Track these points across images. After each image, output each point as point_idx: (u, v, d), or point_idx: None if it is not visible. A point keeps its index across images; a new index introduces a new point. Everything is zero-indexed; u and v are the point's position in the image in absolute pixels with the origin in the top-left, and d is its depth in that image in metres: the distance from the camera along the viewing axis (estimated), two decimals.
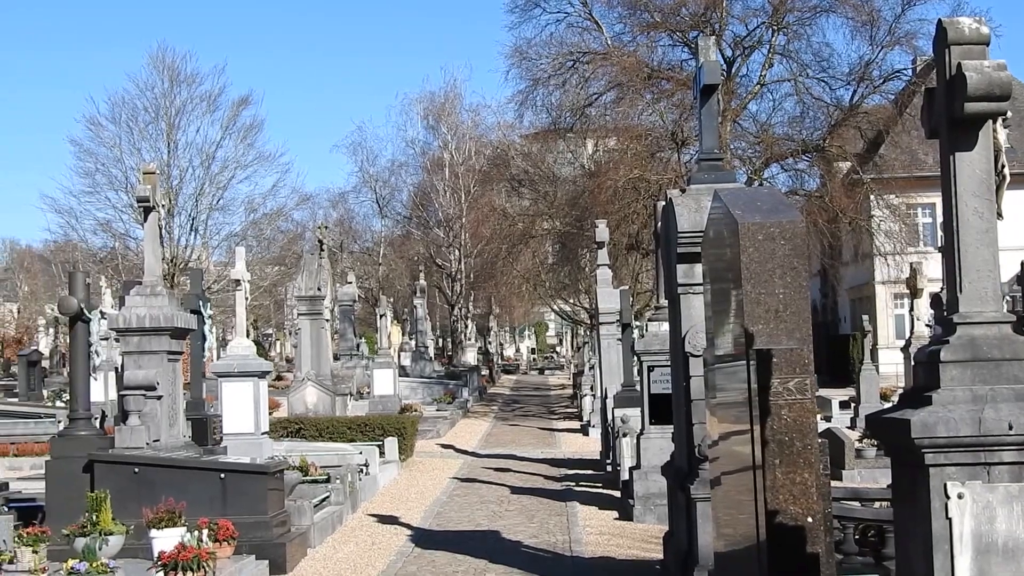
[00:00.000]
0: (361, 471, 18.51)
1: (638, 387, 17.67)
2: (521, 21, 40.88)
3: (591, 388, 33.63)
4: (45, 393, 37.38)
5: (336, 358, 33.11)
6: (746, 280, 5.82)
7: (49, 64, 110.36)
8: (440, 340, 70.23)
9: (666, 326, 13.55)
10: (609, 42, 38.90)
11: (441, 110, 62.48)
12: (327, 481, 16.34)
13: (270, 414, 20.31)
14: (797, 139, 36.87)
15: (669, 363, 12.49)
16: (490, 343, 72.46)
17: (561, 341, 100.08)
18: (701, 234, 8.50)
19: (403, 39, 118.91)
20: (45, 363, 44.34)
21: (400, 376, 36.37)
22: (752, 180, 33.93)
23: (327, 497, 15.64)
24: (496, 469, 22.37)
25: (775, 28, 36.46)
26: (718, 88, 11.27)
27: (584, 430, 31.23)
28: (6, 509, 13.43)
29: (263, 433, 18.06)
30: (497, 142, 54.62)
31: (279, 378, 44.55)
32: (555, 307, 60.17)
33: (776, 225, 5.86)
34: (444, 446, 27.50)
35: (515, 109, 43.86)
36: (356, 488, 17.27)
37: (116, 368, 24.23)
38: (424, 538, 14.45)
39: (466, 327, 63.96)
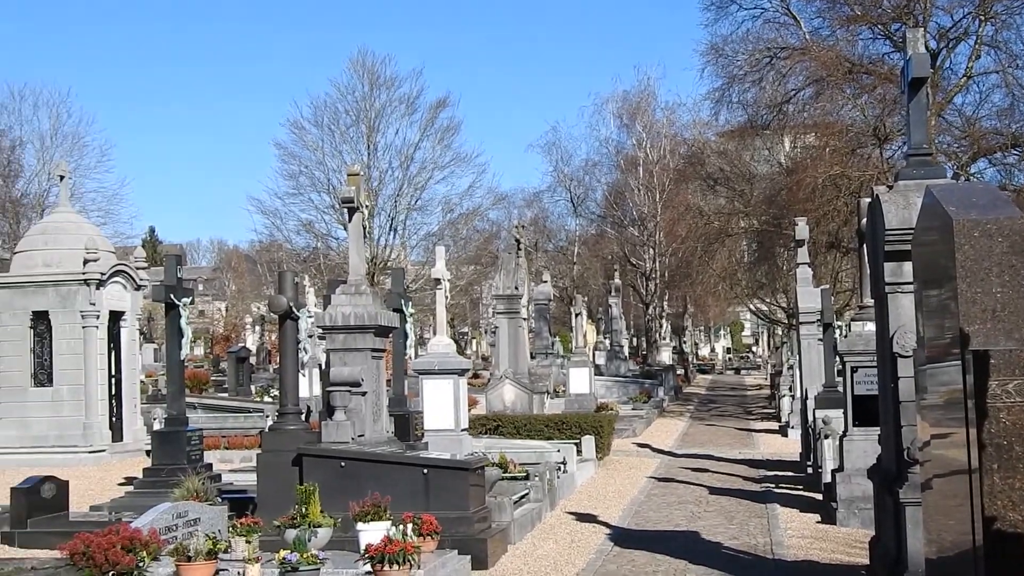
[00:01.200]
0: (559, 469, 18.55)
1: (840, 388, 17.28)
2: (717, 18, 40.57)
3: (789, 388, 33.07)
4: (253, 389, 38.64)
5: (532, 357, 33.28)
6: (961, 279, 5.64)
7: (256, 72, 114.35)
8: (634, 339, 69.90)
9: (870, 326, 13.22)
10: (807, 37, 38.15)
11: (635, 109, 62.11)
12: (526, 478, 16.42)
13: (469, 411, 20.53)
14: (1006, 132, 35.46)
15: (874, 364, 12.14)
16: (685, 342, 71.92)
17: (757, 341, 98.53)
18: (910, 231, 8.27)
19: (596, 39, 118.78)
20: (252, 359, 45.77)
21: (595, 375, 36.31)
22: (958, 175, 32.77)
23: (526, 494, 15.70)
24: (693, 469, 22.16)
25: (983, 18, 35.14)
26: (927, 81, 10.92)
27: (783, 431, 30.69)
28: (220, 500, 13.91)
29: (463, 430, 18.29)
30: (692, 140, 54.04)
31: (475, 376, 45.04)
32: (751, 306, 59.30)
33: (993, 222, 5.66)
34: (640, 445, 27.37)
35: (710, 107, 43.49)
36: (554, 486, 17.31)
37: (320, 365, 24.95)
38: (623, 537, 14.39)
39: (661, 326, 63.49)
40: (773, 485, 19.53)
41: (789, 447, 26.11)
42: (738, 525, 15.34)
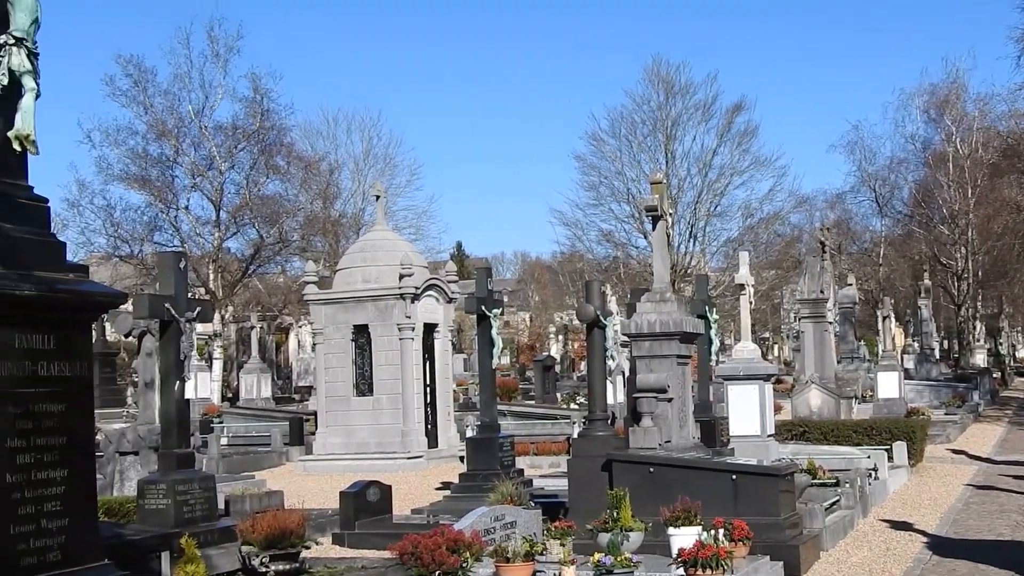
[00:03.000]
0: (870, 475, 17.98)
1: None
2: None
3: None
4: (558, 396, 39.23)
5: (838, 361, 32.40)
6: None
7: (554, 88, 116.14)
8: (945, 342, 67.00)
9: None
10: None
11: (943, 103, 59.42)
12: (836, 485, 16.01)
13: (774, 416, 20.19)
14: None
15: None
16: (1001, 344, 68.41)
17: None
18: None
19: (898, 31, 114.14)
20: (556, 368, 46.51)
21: (905, 379, 35.03)
22: None
23: (837, 501, 15.30)
24: (1015, 476, 20.95)
25: None
26: None
27: None
28: (533, 504, 14.19)
29: (769, 435, 17.97)
30: (1008, 131, 51.15)
31: (779, 381, 44.25)
32: None
33: None
34: (955, 451, 26.16)
35: None
36: (866, 492, 16.80)
37: (623, 372, 25.07)
38: (941, 545, 13.78)
39: (974, 328, 60.56)
40: None
41: None
42: None
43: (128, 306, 12.97)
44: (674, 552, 10.22)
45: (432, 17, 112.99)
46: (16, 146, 6.09)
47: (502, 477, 16.07)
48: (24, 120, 6.06)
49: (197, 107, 46.95)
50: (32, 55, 6.07)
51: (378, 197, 28.99)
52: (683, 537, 10.40)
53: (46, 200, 6.46)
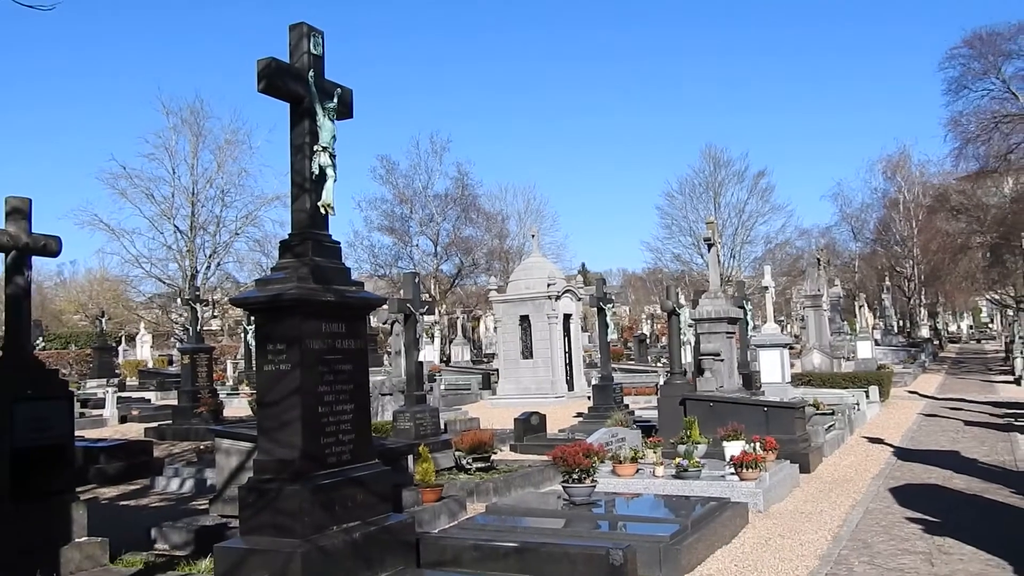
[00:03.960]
0: (854, 408, 17.30)
1: None
2: (954, 100, 36.31)
3: (1020, 352, 28.99)
4: (649, 358, 38.80)
5: (830, 335, 31.20)
6: None
7: (641, 158, 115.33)
8: (901, 321, 63.78)
9: None
10: None
11: (896, 166, 57.30)
12: (832, 414, 15.45)
13: (790, 370, 19.56)
14: None
15: None
16: (938, 322, 64.77)
17: (992, 319, 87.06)
18: None
19: (864, 114, 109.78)
20: (647, 340, 46.16)
21: (875, 345, 33.57)
22: None
23: (832, 424, 14.76)
24: (951, 408, 19.91)
25: None
26: None
27: (1017, 382, 26.91)
28: (634, 426, 14.05)
29: (787, 382, 17.49)
30: (939, 184, 48.98)
31: (791, 348, 42.84)
32: (987, 296, 52.67)
33: None
34: (910, 392, 24.91)
35: (951, 161, 39.04)
36: (852, 419, 16.15)
37: (690, 343, 24.64)
38: (903, 454, 13.16)
39: (920, 312, 57.68)
40: (1013, 419, 17.17)
41: (1022, 394, 22.91)
42: (988, 447, 13.64)
43: (385, 306, 13.30)
44: (727, 457, 10.01)
45: (560, 111, 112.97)
46: (323, 211, 6.27)
47: (615, 409, 15.94)
48: (327, 195, 6.24)
49: (424, 183, 47.91)
50: (332, 156, 6.24)
51: (533, 236, 29.42)
52: (732, 448, 10.17)
53: (338, 243, 6.61)
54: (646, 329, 55.55)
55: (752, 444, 9.97)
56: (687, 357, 26.75)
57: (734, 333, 14.49)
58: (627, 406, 17.73)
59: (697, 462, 9.78)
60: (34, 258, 7.39)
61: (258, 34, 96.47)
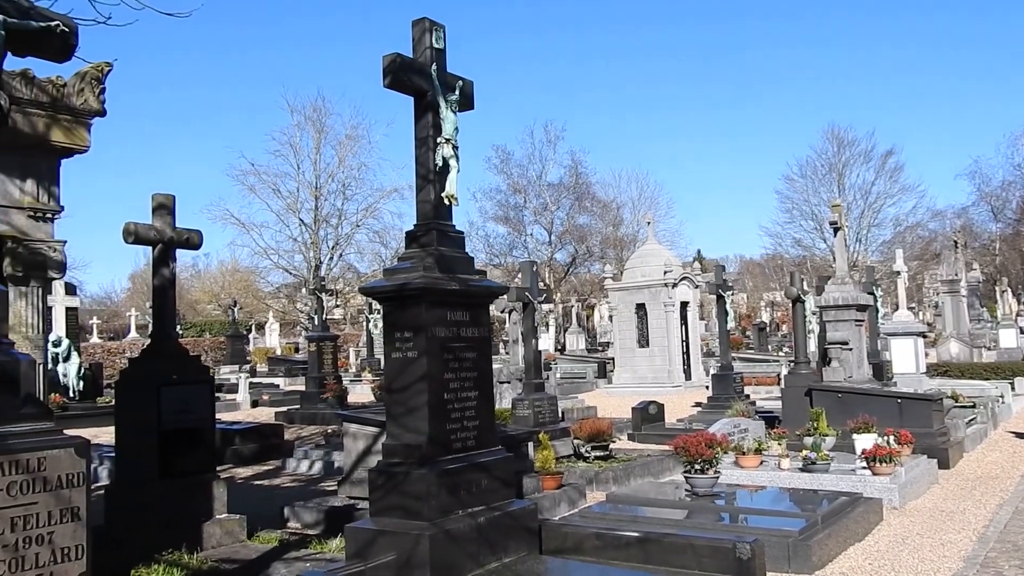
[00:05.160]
0: (998, 401, 16.29)
1: None
2: None
3: None
4: (769, 347, 37.73)
5: (968, 322, 29.43)
6: None
7: (759, 143, 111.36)
8: None
9: None
10: None
11: None
12: (972, 407, 14.59)
13: (924, 360, 18.60)
14: None
15: None
16: None
17: None
18: None
19: (1012, 83, 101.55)
20: (767, 329, 44.81)
21: (1019, 334, 31.44)
22: None
23: (974, 418, 13.94)
24: None
25: None
26: None
27: None
28: (757, 417, 13.71)
29: (922, 373, 16.65)
30: None
31: (923, 336, 40.69)
32: None
33: None
34: None
35: None
36: (995, 413, 15.21)
37: (813, 331, 23.79)
38: None
39: None
40: None
41: None
42: None
43: (503, 295, 13.42)
44: (858, 451, 9.64)
45: (682, 97, 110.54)
46: (446, 201, 6.38)
47: (735, 399, 15.60)
48: (450, 186, 6.35)
49: (537, 173, 48.16)
50: (455, 148, 6.34)
51: (649, 223, 29.09)
52: (863, 441, 9.78)
53: (462, 232, 6.71)
54: (765, 317, 53.89)
55: (885, 437, 9.55)
56: (811, 346, 25.94)
57: (863, 321, 13.90)
58: (747, 396, 17.31)
59: (826, 455, 9.45)
60: (177, 251, 7.84)
61: (377, 32, 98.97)
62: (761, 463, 9.92)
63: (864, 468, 9.14)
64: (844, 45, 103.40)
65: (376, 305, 34.15)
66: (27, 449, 3.72)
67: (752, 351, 36.17)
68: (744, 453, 9.98)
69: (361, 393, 24.39)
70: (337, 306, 49.74)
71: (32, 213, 6.24)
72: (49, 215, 6.31)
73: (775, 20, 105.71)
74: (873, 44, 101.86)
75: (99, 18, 5.11)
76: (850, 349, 13.13)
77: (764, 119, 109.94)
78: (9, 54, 4.20)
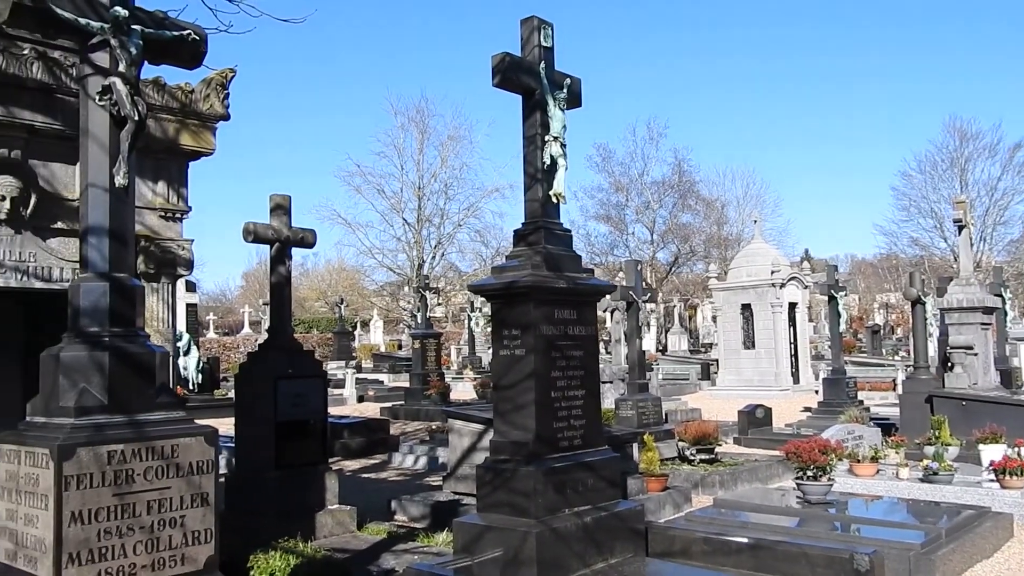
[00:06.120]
0: None
1: None
2: None
3: None
4: (884, 351, 36.28)
5: None
6: None
7: (865, 139, 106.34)
8: None
9: None
10: None
11: None
12: None
13: None
14: None
15: None
16: None
17: None
18: None
19: None
20: (880, 331, 43.14)
21: None
22: None
23: None
24: None
25: None
26: None
27: None
28: (872, 424, 13.18)
29: None
30: None
31: None
32: None
33: None
34: None
35: None
36: None
37: (933, 335, 22.74)
38: None
39: None
40: None
41: None
42: None
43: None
44: (984, 463, 9.14)
45: (787, 94, 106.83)
46: (554, 200, 6.40)
47: (848, 404, 15.06)
48: (558, 184, 6.36)
49: (640, 171, 47.72)
50: (563, 146, 6.35)
51: (755, 221, 28.44)
52: (991, 452, 9.28)
53: (569, 231, 6.71)
54: (879, 319, 51.75)
55: (1016, 449, 9.02)
56: (932, 351, 24.79)
57: (990, 324, 13.17)
58: (861, 402, 16.66)
59: (949, 465, 9.01)
60: (292, 249, 8.14)
61: (479, 34, 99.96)
62: (877, 472, 9.56)
63: (992, 481, 8.67)
64: (965, 33, 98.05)
65: (478, 303, 34.54)
66: (162, 436, 3.94)
67: (865, 354, 34.86)
68: (859, 461, 9.64)
69: (463, 390, 24.72)
70: (439, 304, 50.61)
71: (163, 214, 6.60)
72: (178, 215, 6.66)
73: (890, 14, 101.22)
74: (997, 32, 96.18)
75: (221, 27, 5.35)
76: (975, 354, 12.47)
77: (877, 114, 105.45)
78: (145, 63, 4.45)
